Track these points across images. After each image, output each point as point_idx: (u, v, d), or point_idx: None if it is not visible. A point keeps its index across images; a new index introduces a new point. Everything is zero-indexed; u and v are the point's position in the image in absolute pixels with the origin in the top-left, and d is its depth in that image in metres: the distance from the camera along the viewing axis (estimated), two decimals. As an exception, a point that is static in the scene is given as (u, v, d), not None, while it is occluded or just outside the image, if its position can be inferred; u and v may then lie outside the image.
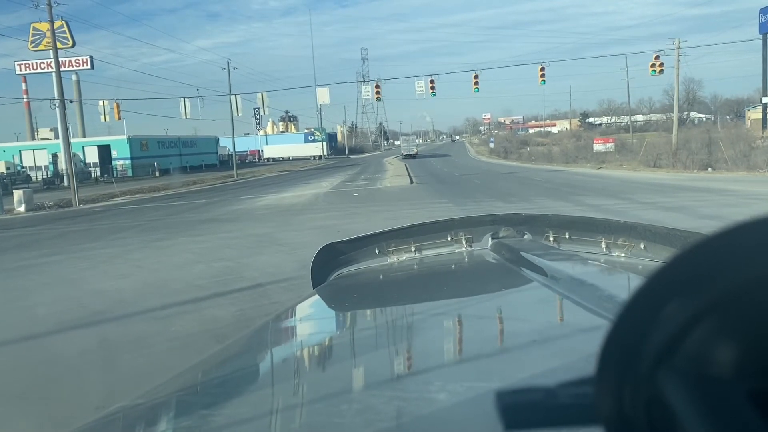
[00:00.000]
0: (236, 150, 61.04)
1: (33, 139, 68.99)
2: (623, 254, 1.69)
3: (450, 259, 1.85)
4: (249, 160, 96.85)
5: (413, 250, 1.87)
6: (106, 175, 60.48)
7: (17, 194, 31.69)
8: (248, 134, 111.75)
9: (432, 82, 32.04)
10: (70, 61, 52.06)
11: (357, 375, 1.01)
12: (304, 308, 1.55)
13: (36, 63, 51.58)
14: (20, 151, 65.05)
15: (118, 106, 33.17)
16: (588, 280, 1.15)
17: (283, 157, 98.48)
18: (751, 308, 0.39)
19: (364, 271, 1.82)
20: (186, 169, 70.79)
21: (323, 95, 33.98)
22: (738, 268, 0.39)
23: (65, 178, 55.23)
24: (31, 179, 60.38)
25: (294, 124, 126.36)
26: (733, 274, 0.39)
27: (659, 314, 0.41)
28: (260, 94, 34.67)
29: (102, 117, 34.26)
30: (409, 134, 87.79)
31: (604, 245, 1.75)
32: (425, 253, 1.88)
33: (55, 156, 56.20)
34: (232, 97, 34.18)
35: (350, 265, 1.83)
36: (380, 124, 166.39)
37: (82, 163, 63.15)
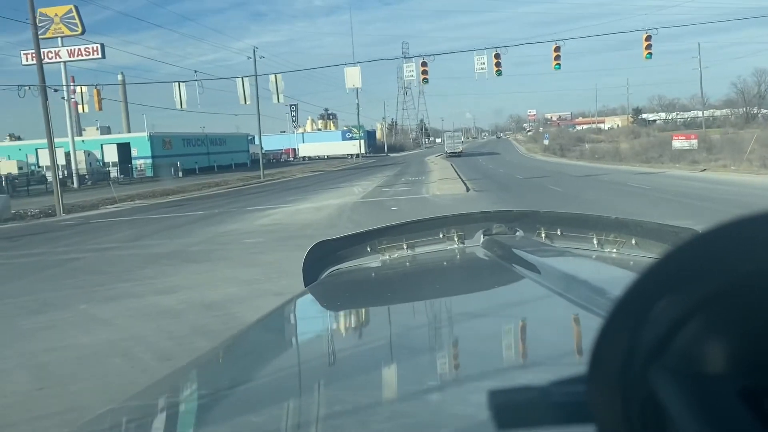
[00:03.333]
0: (271, 149, 54.78)
1: (80, 136, 62.95)
2: (615, 250, 1.66)
3: (442, 257, 1.82)
4: (283, 159, 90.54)
5: (405, 247, 1.84)
6: (122, 176, 54.62)
7: (-13, 203, 26.27)
8: (284, 132, 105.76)
9: (497, 57, 24.42)
10: (79, 49, 46.00)
11: (348, 374, 0.98)
12: (296, 306, 1.52)
13: (43, 52, 45.37)
14: (36, 149, 59.53)
15: (98, 93, 26.59)
16: (580, 277, 1.13)
17: (319, 156, 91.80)
18: (743, 306, 0.39)
19: (356, 269, 1.77)
20: (214, 168, 64.73)
21: (353, 77, 26.49)
22: (730, 265, 0.38)
23: (75, 178, 49.58)
24: (47, 180, 54.84)
25: (333, 122, 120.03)
26: (725, 271, 0.38)
27: (650, 312, 0.40)
28: (273, 76, 27.49)
29: (80, 107, 27.83)
30: (454, 130, 79.59)
31: (595, 241, 1.71)
32: (417, 250, 1.85)
33: (67, 155, 50.28)
34: (238, 81, 27.26)
35: (342, 263, 1.77)
36: (421, 120, 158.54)
37: (98, 163, 57.40)
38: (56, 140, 58.19)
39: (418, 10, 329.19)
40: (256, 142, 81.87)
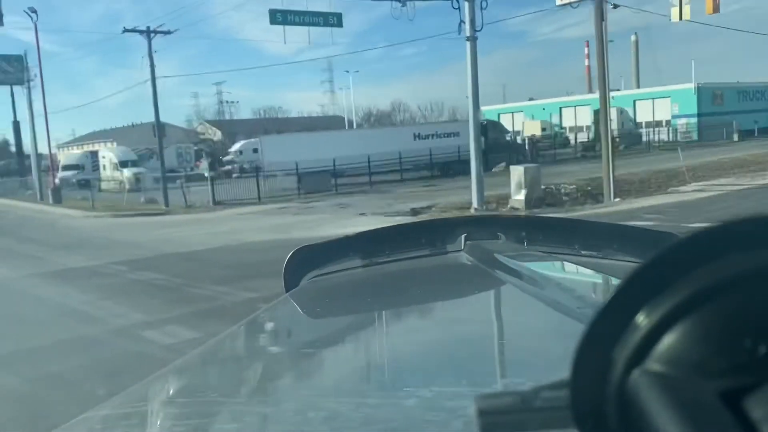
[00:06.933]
0: None
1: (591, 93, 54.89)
2: (597, 255, 1.65)
3: (424, 262, 1.80)
4: None
5: (387, 252, 1.80)
6: (662, 140, 42.36)
7: (516, 174, 18.33)
8: None
9: None
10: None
11: (326, 380, 0.96)
12: (275, 312, 1.52)
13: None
14: (560, 108, 52.28)
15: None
16: (562, 282, 1.13)
17: None
18: (725, 309, 0.39)
19: (337, 275, 1.73)
20: (773, 129, 46.31)
21: None
22: (711, 269, 0.38)
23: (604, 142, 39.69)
24: (569, 143, 47.17)
25: None
26: (706, 276, 0.39)
27: (633, 317, 0.40)
28: None
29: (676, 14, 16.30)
30: None
31: (577, 246, 1.70)
32: (399, 255, 1.81)
33: (596, 114, 40.68)
34: None
35: (324, 268, 1.73)
36: None
37: (631, 123, 46.39)
38: (577, 98, 49.46)
39: None
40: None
